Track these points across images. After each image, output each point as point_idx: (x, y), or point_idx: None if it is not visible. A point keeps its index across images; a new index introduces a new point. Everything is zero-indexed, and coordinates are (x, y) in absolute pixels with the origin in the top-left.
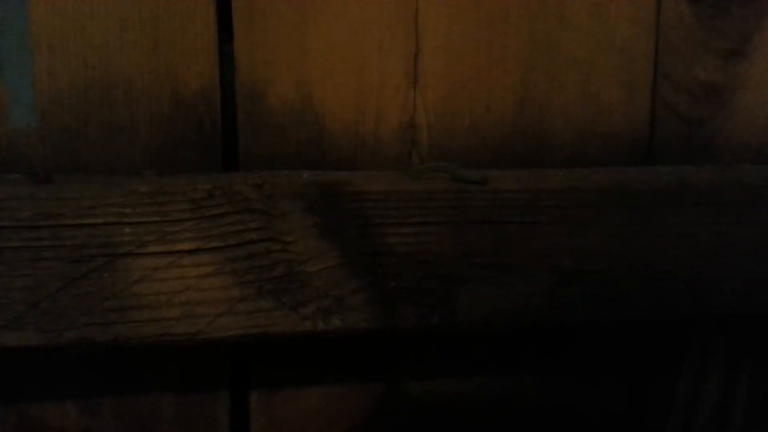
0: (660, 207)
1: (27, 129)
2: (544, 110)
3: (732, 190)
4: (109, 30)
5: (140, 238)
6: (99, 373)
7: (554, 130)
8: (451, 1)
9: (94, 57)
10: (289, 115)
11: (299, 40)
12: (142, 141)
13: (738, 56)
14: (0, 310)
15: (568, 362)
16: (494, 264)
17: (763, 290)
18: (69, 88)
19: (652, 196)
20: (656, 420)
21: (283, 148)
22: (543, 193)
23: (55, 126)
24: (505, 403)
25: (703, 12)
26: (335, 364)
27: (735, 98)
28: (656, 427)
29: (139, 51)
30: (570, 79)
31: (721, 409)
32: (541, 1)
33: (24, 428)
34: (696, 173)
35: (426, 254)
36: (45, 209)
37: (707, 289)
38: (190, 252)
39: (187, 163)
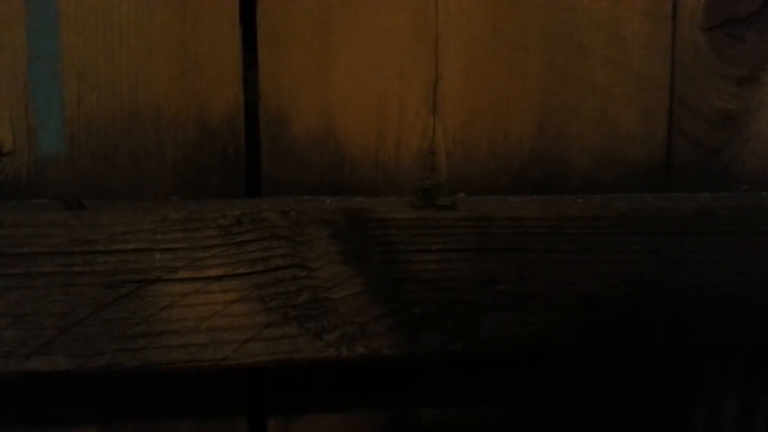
0: (681, 234)
1: (55, 154)
2: (562, 136)
3: (753, 218)
4: (138, 58)
5: (170, 264)
6: (120, 398)
7: (572, 156)
8: (471, 29)
9: (122, 84)
10: (312, 141)
11: (322, 68)
12: (168, 167)
13: (753, 83)
14: (31, 335)
15: (584, 386)
16: (517, 291)
17: None
18: (97, 114)
19: (674, 223)
20: None
21: (305, 174)
22: (565, 221)
23: (84, 152)
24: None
25: (717, 40)
26: (352, 390)
27: (751, 125)
28: None
29: (167, 78)
30: (587, 106)
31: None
32: (560, 28)
33: None
34: (716, 200)
35: (449, 281)
36: (78, 235)
37: (729, 317)
38: (218, 278)
39: (212, 189)
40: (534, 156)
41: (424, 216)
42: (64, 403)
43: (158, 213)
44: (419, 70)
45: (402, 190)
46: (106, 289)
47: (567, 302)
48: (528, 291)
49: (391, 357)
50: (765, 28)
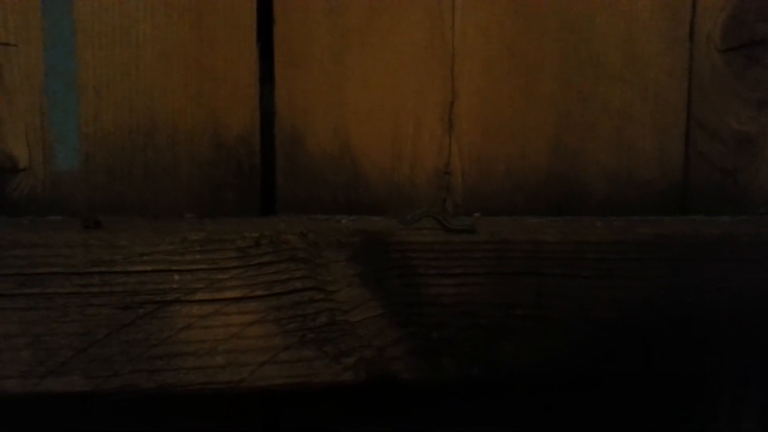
0: (702, 261)
1: (71, 170)
2: (578, 157)
3: None
4: (155, 75)
5: (189, 286)
6: (133, 417)
7: (588, 176)
8: (487, 49)
9: (139, 101)
10: (327, 159)
11: (338, 88)
12: (183, 183)
13: None
14: (48, 355)
15: (599, 410)
16: (535, 316)
17: None
18: (114, 130)
19: (694, 249)
20: None
21: (320, 191)
22: (584, 246)
23: (99, 168)
24: None
25: (735, 62)
26: (367, 411)
27: None
28: None
29: (183, 96)
30: (604, 126)
31: None
32: (576, 49)
33: None
34: (736, 226)
35: (468, 305)
36: (97, 256)
37: (749, 342)
38: (236, 300)
39: (227, 206)
40: (550, 176)
41: (443, 240)
42: (76, 423)
43: (177, 234)
44: (435, 89)
45: (418, 208)
46: (123, 310)
47: (584, 327)
48: (546, 316)
49: (409, 381)
50: None
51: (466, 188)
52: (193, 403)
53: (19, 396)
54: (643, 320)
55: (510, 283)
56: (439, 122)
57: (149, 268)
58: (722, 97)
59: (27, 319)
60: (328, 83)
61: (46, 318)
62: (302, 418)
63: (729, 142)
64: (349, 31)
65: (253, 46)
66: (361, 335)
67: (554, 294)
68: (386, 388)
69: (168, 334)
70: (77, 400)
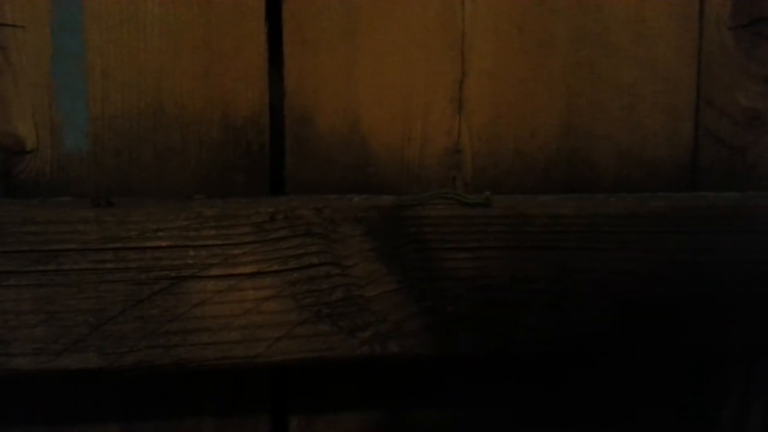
0: (717, 233)
1: (80, 153)
2: (588, 136)
3: None
4: (163, 56)
5: (203, 261)
6: (141, 395)
7: (598, 155)
8: (497, 27)
9: (147, 83)
10: (337, 139)
11: (347, 67)
12: (192, 165)
13: None
14: (63, 332)
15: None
16: (553, 290)
17: None
18: (122, 112)
19: (710, 222)
20: None
21: (329, 172)
22: (600, 218)
23: (108, 150)
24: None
25: (744, 39)
26: (374, 390)
27: None
28: None
29: (191, 77)
30: (614, 105)
31: None
32: (586, 27)
33: None
34: (749, 199)
35: (484, 279)
36: (111, 232)
37: (765, 317)
38: (251, 275)
39: (236, 187)
40: (560, 155)
41: (459, 213)
42: (85, 400)
43: (191, 210)
44: (445, 68)
45: (427, 188)
46: (138, 286)
47: (602, 302)
48: (564, 290)
49: (425, 355)
50: None
51: (475, 167)
52: (200, 380)
53: (32, 373)
54: (660, 294)
55: (526, 257)
56: (449, 102)
57: (164, 243)
58: (731, 74)
59: (41, 295)
60: (338, 63)
61: (61, 294)
62: (311, 397)
63: (738, 120)
64: (358, 10)
65: (262, 26)
66: (377, 310)
67: (571, 268)
68: (392, 367)
69: (183, 310)
70: (91, 378)
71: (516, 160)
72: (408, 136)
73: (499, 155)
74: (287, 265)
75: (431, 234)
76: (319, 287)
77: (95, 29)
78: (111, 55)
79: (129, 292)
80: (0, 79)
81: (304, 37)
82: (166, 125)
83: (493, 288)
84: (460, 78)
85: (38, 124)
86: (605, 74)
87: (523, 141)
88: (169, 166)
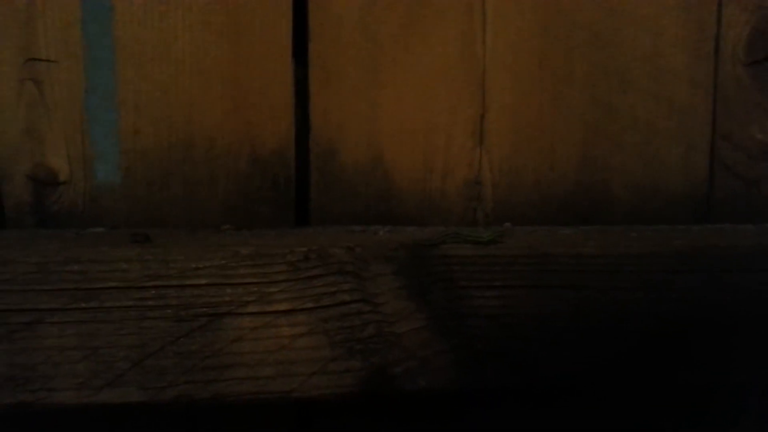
0: (739, 270)
1: (111, 185)
2: (605, 168)
3: None
4: (193, 91)
5: (240, 299)
6: (173, 426)
7: (615, 187)
8: (517, 63)
9: (177, 116)
10: (360, 172)
11: (371, 103)
12: (220, 197)
13: None
14: (105, 367)
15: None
16: (575, 328)
17: None
18: (153, 145)
19: (732, 260)
20: None
21: (353, 203)
22: (624, 258)
23: (139, 182)
24: None
25: (759, 74)
26: (397, 417)
27: None
28: None
29: (221, 111)
30: (630, 139)
31: None
32: (604, 63)
33: None
34: (764, 234)
35: (509, 317)
36: (152, 270)
37: None
38: (285, 312)
39: (262, 218)
40: (578, 187)
41: (485, 253)
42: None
43: (229, 249)
44: (466, 103)
45: (448, 219)
46: (178, 322)
47: (624, 339)
48: (586, 328)
49: (453, 391)
50: None
51: (496, 199)
52: (228, 411)
53: (74, 407)
54: (682, 332)
55: (550, 296)
56: (470, 135)
57: (203, 281)
58: (746, 109)
59: (84, 332)
60: (362, 98)
61: (103, 331)
62: (334, 424)
63: (753, 153)
64: (381, 48)
65: (289, 63)
66: (407, 346)
67: (593, 306)
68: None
69: (221, 346)
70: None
71: (535, 192)
72: (430, 168)
73: (518, 187)
74: (320, 303)
75: (458, 272)
76: (351, 324)
77: (127, 65)
78: (142, 90)
79: (169, 329)
80: (34, 112)
81: (329, 74)
82: (196, 158)
83: (518, 325)
84: (480, 112)
85: (71, 157)
86: (622, 109)
87: (542, 173)
88: (198, 197)
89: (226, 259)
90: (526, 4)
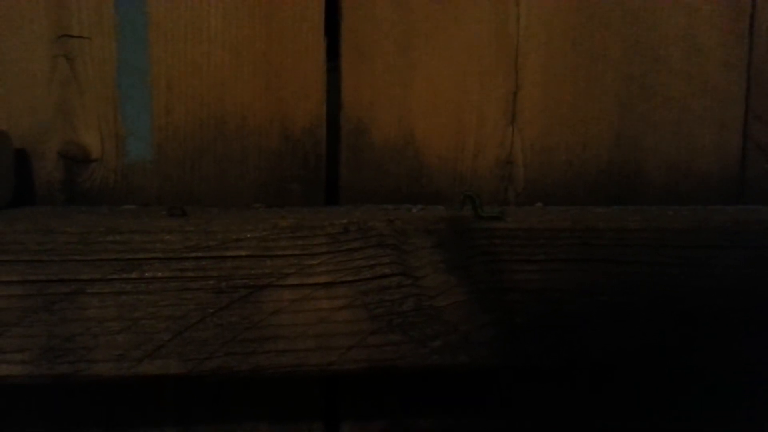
0: None
1: (143, 162)
2: (638, 148)
3: None
4: (225, 69)
5: (280, 271)
6: (198, 401)
7: (648, 167)
8: (551, 41)
9: (209, 94)
10: (391, 151)
11: (403, 80)
12: (251, 175)
13: None
14: (144, 338)
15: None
16: (617, 303)
17: None
18: (185, 123)
19: None
20: None
21: (383, 182)
22: (667, 233)
23: (170, 160)
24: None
25: None
26: (424, 397)
27: None
28: None
29: (252, 89)
30: (664, 119)
31: None
32: (638, 41)
33: None
34: None
35: (551, 291)
36: (193, 242)
37: None
38: (325, 285)
39: (293, 197)
40: (611, 167)
41: (527, 226)
42: (142, 407)
43: (269, 221)
44: (499, 81)
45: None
46: (218, 294)
47: (667, 315)
48: (630, 303)
49: (493, 366)
50: None
51: (527, 178)
52: (255, 387)
53: (113, 379)
54: (725, 308)
55: (592, 269)
56: (502, 114)
57: (243, 253)
58: None
59: (124, 303)
60: (394, 76)
61: (143, 302)
62: (361, 404)
63: None
64: (414, 25)
65: (321, 40)
66: (447, 320)
67: (636, 281)
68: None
69: (260, 318)
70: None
71: (568, 171)
72: (461, 147)
73: (551, 166)
74: (360, 276)
75: (499, 246)
76: (391, 297)
77: (160, 42)
78: (175, 67)
79: (210, 301)
80: (66, 89)
81: (362, 51)
82: (227, 136)
83: (559, 300)
84: (513, 91)
85: (103, 134)
86: (656, 88)
87: (574, 153)
88: (229, 175)
89: (266, 231)
90: None
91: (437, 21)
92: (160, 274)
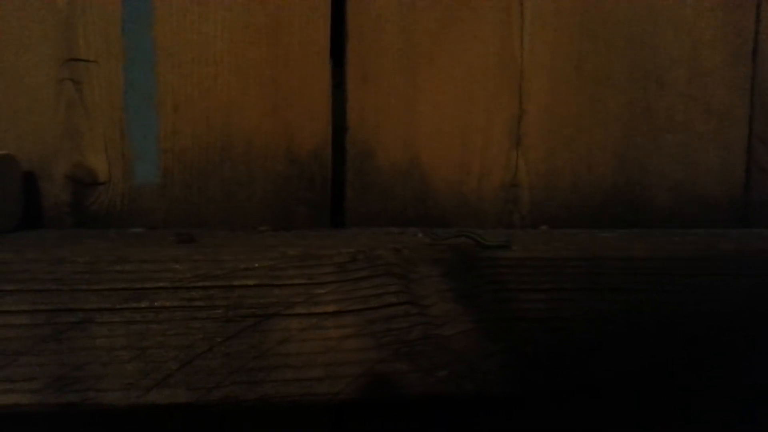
0: None
1: (150, 184)
2: (642, 171)
3: None
4: (231, 93)
5: (288, 300)
6: (205, 430)
7: (652, 189)
8: (555, 65)
9: (216, 117)
10: (396, 173)
11: (408, 103)
12: (257, 197)
13: None
14: (153, 368)
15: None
16: (625, 332)
17: None
18: (191, 146)
19: None
20: None
21: (388, 205)
22: (673, 261)
23: (177, 182)
24: None
25: None
26: (428, 421)
27: None
28: None
29: (259, 112)
30: (668, 141)
31: None
32: (642, 65)
33: None
34: None
35: (558, 320)
36: (202, 271)
37: None
38: (333, 314)
39: (299, 219)
40: (616, 189)
41: (534, 256)
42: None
43: (276, 249)
44: (504, 105)
45: (485, 222)
46: (226, 323)
47: (673, 342)
48: (636, 331)
49: (500, 395)
50: None
51: (532, 201)
52: (262, 414)
53: (121, 409)
54: (730, 335)
55: (599, 298)
56: (507, 137)
57: (251, 282)
58: None
59: (133, 332)
60: (399, 99)
61: (152, 331)
62: (366, 428)
63: None
64: (419, 48)
65: (327, 63)
66: (454, 349)
67: (643, 310)
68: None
69: (268, 347)
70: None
71: (572, 194)
72: (466, 170)
73: (555, 189)
74: (367, 305)
75: (507, 275)
76: (398, 326)
77: (167, 66)
78: (182, 90)
79: (217, 330)
80: (73, 112)
81: (367, 75)
82: (234, 159)
83: (566, 329)
84: (518, 114)
85: (110, 157)
86: (660, 111)
87: (579, 175)
88: (235, 198)
89: (274, 260)
90: (564, 5)
91: (442, 45)
92: (168, 304)
